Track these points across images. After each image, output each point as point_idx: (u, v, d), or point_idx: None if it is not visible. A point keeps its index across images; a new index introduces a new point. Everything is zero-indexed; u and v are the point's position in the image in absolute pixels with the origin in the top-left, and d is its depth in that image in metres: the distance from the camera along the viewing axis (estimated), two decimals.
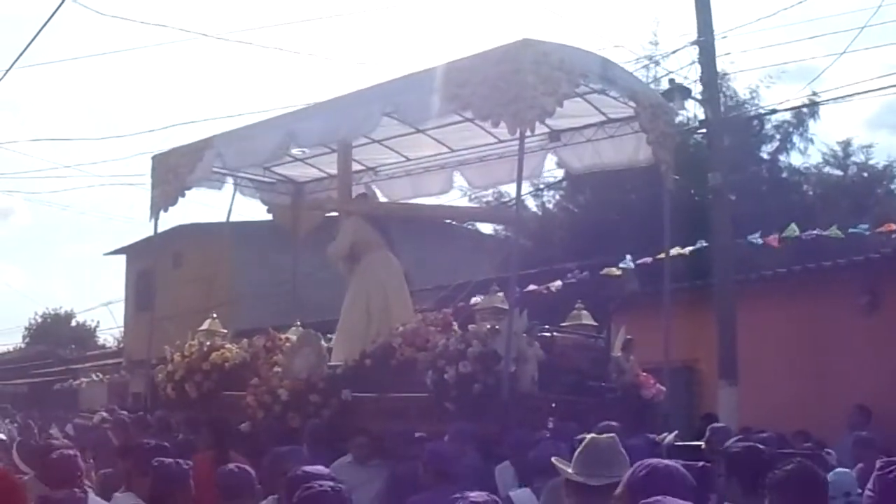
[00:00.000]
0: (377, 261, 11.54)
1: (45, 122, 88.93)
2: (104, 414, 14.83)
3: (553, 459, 5.13)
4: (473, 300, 11.69)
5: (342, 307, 11.65)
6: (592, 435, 5.09)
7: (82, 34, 63.71)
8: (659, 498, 3.07)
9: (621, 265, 16.27)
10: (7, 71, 13.80)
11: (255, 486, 5.96)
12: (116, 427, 11.68)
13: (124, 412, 14.46)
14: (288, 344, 11.59)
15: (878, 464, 2.84)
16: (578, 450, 4.94)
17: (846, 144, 26.14)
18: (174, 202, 12.62)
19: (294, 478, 4.84)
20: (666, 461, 3.61)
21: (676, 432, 8.05)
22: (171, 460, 5.89)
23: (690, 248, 15.03)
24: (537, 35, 9.18)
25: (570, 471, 4.81)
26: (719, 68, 15.95)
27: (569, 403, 9.02)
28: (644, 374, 10.23)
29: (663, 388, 10.15)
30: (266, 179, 14.40)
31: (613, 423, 7.21)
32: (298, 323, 13.14)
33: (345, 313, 11.51)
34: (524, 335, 8.83)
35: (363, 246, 11.60)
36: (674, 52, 16.73)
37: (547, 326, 9.71)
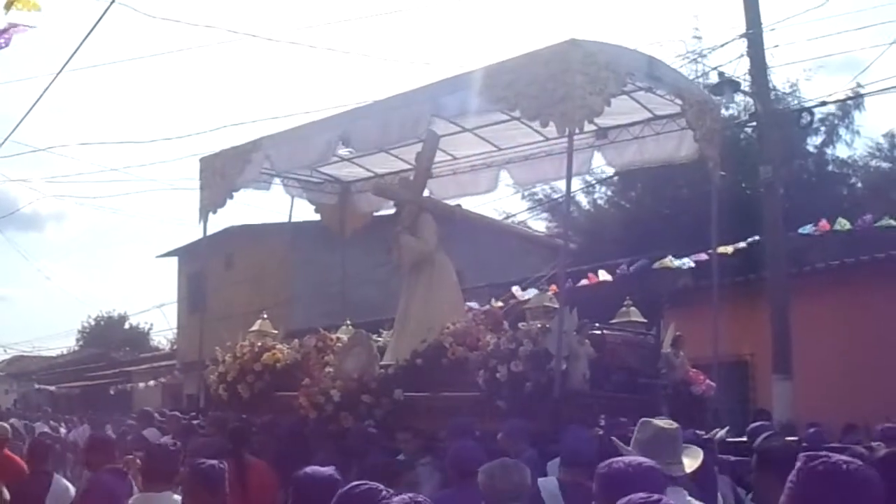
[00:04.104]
0: (447, 262, 11.61)
1: (93, 125, 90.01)
2: (156, 415, 15.07)
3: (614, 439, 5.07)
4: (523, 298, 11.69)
5: (405, 305, 11.59)
6: (660, 424, 5.07)
7: (130, 36, 64.36)
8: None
9: (672, 260, 16.23)
10: (57, 75, 13.98)
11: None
12: (169, 426, 11.91)
13: (176, 412, 14.68)
14: (339, 344, 11.61)
15: (800, 456, 2.85)
16: (643, 437, 4.90)
17: (892, 136, 25.96)
18: (222, 204, 12.64)
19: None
20: (639, 458, 3.68)
21: (728, 428, 8.07)
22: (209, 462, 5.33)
23: (742, 242, 14.97)
24: (581, 34, 9.20)
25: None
26: (767, 61, 15.84)
27: (620, 400, 9.03)
28: (694, 370, 10.24)
29: (713, 384, 10.14)
30: (313, 179, 14.43)
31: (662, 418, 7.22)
32: (348, 322, 13.17)
33: (417, 311, 11.37)
34: (575, 333, 8.85)
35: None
36: (722, 45, 16.66)
37: (597, 324, 9.71)
